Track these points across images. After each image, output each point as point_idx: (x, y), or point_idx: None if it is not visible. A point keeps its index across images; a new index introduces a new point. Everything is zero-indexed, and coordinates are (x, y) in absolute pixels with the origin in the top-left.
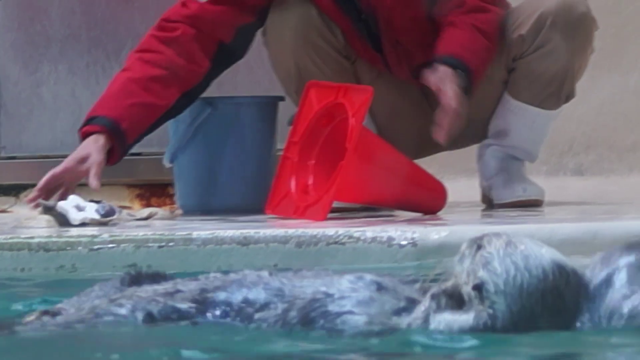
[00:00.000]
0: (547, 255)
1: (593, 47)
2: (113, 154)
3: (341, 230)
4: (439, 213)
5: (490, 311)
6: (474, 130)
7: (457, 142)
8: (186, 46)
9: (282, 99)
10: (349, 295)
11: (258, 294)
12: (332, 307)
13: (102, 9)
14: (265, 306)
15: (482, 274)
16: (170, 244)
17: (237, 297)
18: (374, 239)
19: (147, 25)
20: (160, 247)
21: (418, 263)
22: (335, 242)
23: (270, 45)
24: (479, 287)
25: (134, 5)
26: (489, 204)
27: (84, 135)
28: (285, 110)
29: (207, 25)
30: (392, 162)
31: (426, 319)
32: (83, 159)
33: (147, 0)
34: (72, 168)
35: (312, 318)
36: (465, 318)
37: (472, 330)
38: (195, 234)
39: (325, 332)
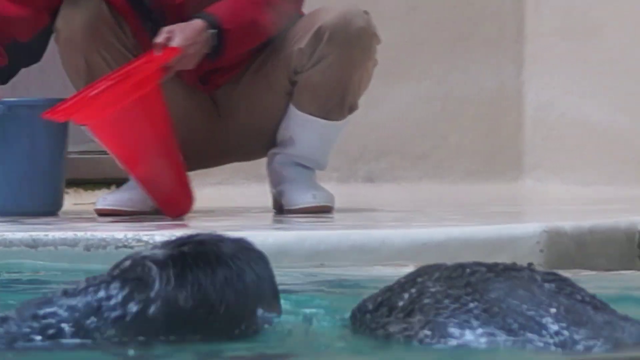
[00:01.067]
0: None
1: (376, 59)
2: None
3: (130, 234)
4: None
5: None
6: (262, 140)
7: (247, 153)
8: None
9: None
10: None
11: None
12: None
13: None
14: None
15: None
16: None
17: None
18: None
19: None
20: None
21: None
22: (124, 246)
23: (60, 42)
24: None
25: None
26: (280, 209)
27: None
28: None
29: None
30: (158, 134)
31: None
32: None
33: None
34: None
35: None
36: None
37: None
38: None
39: None
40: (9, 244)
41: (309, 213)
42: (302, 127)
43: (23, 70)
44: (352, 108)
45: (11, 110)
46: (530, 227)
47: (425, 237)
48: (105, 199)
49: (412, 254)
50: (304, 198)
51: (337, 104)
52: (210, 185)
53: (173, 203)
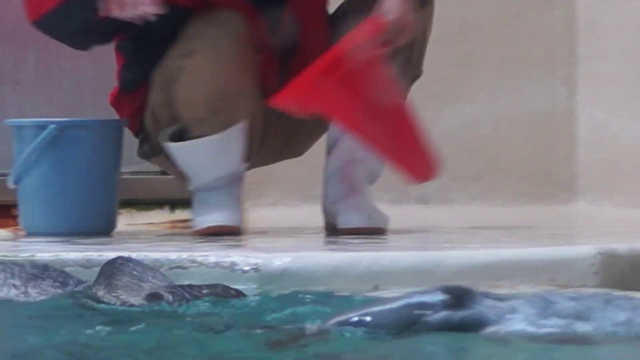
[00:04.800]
0: None
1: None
2: None
3: (184, 255)
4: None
5: None
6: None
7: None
8: None
9: (125, 122)
10: None
11: None
12: None
13: None
14: None
15: None
16: None
17: None
18: (216, 264)
19: None
20: None
21: (260, 289)
22: (178, 267)
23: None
24: None
25: None
26: (332, 230)
27: None
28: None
29: None
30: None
31: None
32: None
33: None
34: None
35: None
36: None
37: None
38: (38, 256)
39: None
40: (63, 264)
41: (362, 234)
42: None
43: (77, 92)
44: (417, 75)
45: (65, 131)
46: (584, 249)
47: (479, 259)
48: (206, 219)
49: (466, 275)
50: (359, 218)
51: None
52: (263, 206)
53: (418, 167)
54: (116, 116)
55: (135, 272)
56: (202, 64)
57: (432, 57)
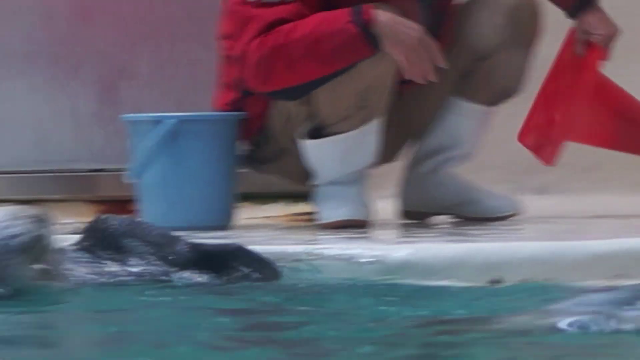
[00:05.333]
0: None
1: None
2: None
3: (300, 248)
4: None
5: None
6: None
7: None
8: None
9: (243, 116)
10: None
11: None
12: None
13: (61, 26)
14: None
15: None
16: None
17: None
18: (334, 257)
19: (106, 43)
20: None
21: (380, 280)
22: (296, 260)
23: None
24: None
25: (93, 22)
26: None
27: None
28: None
29: None
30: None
31: None
32: None
33: (106, 17)
34: None
35: None
36: None
37: None
38: None
39: None
40: None
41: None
42: (470, 119)
43: (191, 87)
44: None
45: (183, 125)
46: None
47: (600, 249)
48: (335, 213)
49: (586, 266)
50: (490, 208)
51: (514, 86)
52: (386, 198)
53: None
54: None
55: None
56: None
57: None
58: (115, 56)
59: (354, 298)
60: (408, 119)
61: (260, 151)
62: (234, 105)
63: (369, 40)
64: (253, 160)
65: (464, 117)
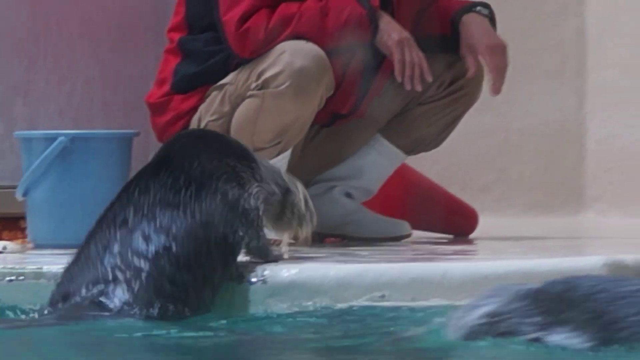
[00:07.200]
0: None
1: None
2: None
3: None
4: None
5: None
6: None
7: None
8: None
9: (137, 134)
10: None
11: None
12: None
13: None
14: None
15: None
16: (21, 277)
17: None
18: None
19: (1, 59)
20: (10, 280)
21: (268, 300)
22: None
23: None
24: None
25: None
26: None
27: None
28: (139, 145)
29: None
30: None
31: None
32: None
33: (1, 34)
34: None
35: None
36: None
37: None
38: (45, 268)
39: None
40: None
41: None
42: (385, 159)
43: (86, 104)
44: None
45: (74, 143)
46: (591, 260)
47: (486, 271)
48: None
49: (472, 287)
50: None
51: (433, 141)
52: None
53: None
54: (146, 115)
55: None
56: (279, 97)
57: None
58: (11, 73)
59: None
60: (331, 149)
61: None
62: (163, 101)
63: (371, 24)
64: None
65: (379, 154)
